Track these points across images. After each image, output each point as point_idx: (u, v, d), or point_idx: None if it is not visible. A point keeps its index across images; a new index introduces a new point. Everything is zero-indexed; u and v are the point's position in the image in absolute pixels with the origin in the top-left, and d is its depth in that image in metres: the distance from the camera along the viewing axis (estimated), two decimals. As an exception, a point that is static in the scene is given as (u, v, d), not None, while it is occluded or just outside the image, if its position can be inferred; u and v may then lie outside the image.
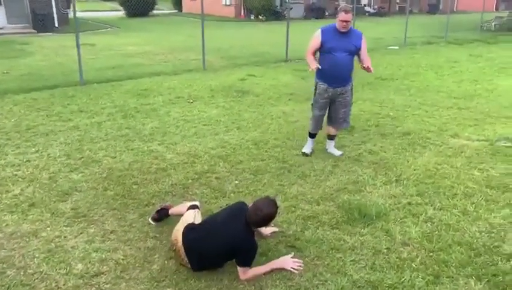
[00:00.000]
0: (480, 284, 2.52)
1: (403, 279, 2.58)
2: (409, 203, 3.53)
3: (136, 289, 2.57)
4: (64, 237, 3.15)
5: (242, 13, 29.38)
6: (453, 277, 2.59)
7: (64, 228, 3.28)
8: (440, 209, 3.41)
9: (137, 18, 27.96)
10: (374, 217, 3.28)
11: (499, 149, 4.70)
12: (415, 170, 4.23)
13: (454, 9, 33.66)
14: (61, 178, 4.21)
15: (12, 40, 15.55)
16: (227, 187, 3.97)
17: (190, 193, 3.88)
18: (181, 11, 34.96)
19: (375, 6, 32.74)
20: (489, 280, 2.55)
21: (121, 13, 30.15)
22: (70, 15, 18.99)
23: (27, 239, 3.13)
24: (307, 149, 4.77)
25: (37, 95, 7.48)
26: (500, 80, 8.48)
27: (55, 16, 19.22)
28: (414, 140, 5.15)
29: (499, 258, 2.75)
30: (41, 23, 18.00)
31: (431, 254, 2.84)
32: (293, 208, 3.53)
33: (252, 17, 28.09)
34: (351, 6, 3.81)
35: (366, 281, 2.58)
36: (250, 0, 27.75)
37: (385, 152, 4.79)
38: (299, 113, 6.47)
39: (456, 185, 3.84)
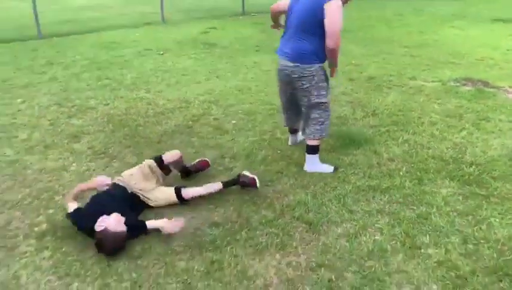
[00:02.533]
0: (453, 182, 3.22)
1: (395, 183, 3.21)
2: (388, 131, 4.17)
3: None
4: (93, 170, 3.41)
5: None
6: (432, 179, 3.26)
7: (89, 163, 3.52)
8: (413, 134, 4.09)
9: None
10: (362, 142, 3.88)
11: (450, 88, 5.48)
12: (386, 105, 4.88)
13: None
14: (63, 124, 4.34)
15: None
16: (228, 126, 4.36)
17: (195, 131, 4.22)
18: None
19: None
20: (459, 179, 3.25)
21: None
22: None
23: (58, 173, 3.35)
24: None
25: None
26: (443, 31, 9.40)
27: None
28: (379, 82, 5.80)
29: (464, 165, 3.47)
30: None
31: (412, 165, 3.49)
32: (292, 139, 4.02)
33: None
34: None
35: (367, 185, 3.18)
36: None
37: (357, 93, 5.39)
38: (270, 63, 6.85)
39: (422, 116, 4.54)
